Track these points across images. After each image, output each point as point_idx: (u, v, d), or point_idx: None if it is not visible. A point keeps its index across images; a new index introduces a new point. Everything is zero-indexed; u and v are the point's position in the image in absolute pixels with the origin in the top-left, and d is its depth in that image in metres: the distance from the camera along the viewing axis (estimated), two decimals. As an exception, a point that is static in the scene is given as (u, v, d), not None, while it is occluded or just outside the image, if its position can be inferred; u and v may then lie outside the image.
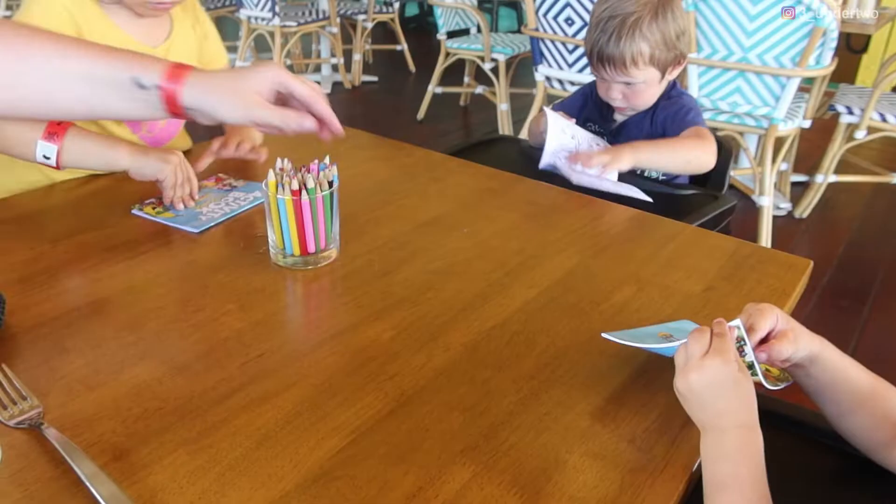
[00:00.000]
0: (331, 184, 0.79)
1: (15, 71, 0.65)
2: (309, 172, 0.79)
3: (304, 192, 0.77)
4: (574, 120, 1.26)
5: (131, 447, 0.54)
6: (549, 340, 0.69)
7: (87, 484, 0.49)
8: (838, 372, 0.60)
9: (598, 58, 1.20)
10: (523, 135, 2.86)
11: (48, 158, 0.88)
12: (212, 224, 0.91)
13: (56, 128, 0.88)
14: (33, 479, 0.51)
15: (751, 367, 0.57)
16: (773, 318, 0.59)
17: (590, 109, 1.34)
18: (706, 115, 2.32)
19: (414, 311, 0.73)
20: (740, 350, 0.56)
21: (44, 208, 0.94)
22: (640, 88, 1.22)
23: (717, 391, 0.54)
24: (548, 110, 1.25)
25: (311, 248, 0.80)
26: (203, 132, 0.99)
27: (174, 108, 0.67)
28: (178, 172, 0.93)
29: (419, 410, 0.60)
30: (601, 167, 1.11)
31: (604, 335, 0.65)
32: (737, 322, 0.57)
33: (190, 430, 0.56)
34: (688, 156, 1.18)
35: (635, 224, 0.98)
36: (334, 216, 0.81)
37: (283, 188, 0.77)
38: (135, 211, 0.93)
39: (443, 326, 0.71)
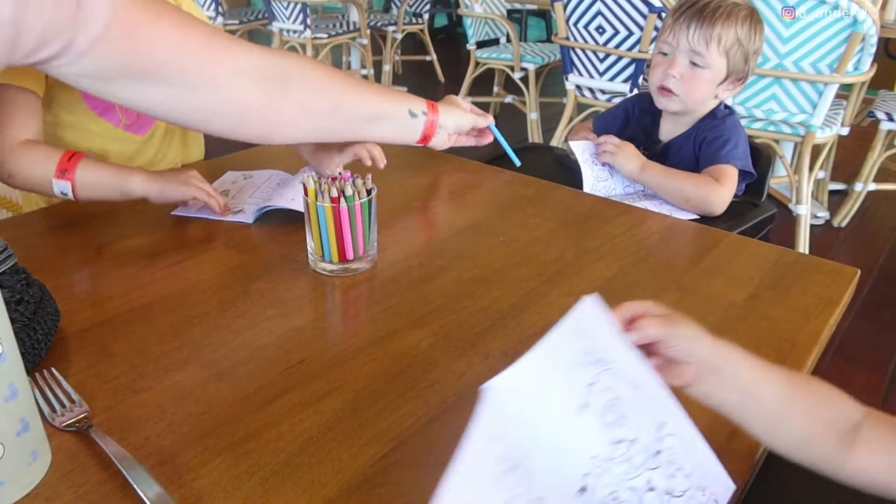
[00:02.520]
0: (369, 191, 0.79)
1: (326, 118, 0.89)
2: (346, 181, 0.79)
3: (342, 199, 0.77)
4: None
5: (176, 451, 0.55)
6: (591, 349, 0.69)
7: (136, 487, 0.50)
8: (749, 382, 0.51)
9: (688, 14, 1.16)
10: (554, 143, 2.85)
11: (66, 194, 0.90)
12: (263, 210, 0.94)
13: (66, 164, 0.88)
14: (83, 481, 0.52)
15: None
16: (645, 305, 0.51)
17: (633, 128, 1.31)
18: (741, 123, 2.29)
19: (453, 319, 0.73)
20: None
21: (89, 215, 0.96)
22: (700, 75, 1.18)
23: None
24: (571, 143, 1.24)
25: (350, 254, 0.80)
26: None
27: (430, 130, 0.99)
28: (203, 185, 0.92)
29: (461, 418, 0.58)
30: (604, 152, 1.20)
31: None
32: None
33: (233, 434, 0.57)
34: (694, 195, 1.14)
35: (674, 232, 0.96)
36: (372, 223, 0.81)
37: (323, 195, 0.78)
38: (176, 212, 0.95)
39: (482, 334, 0.71)
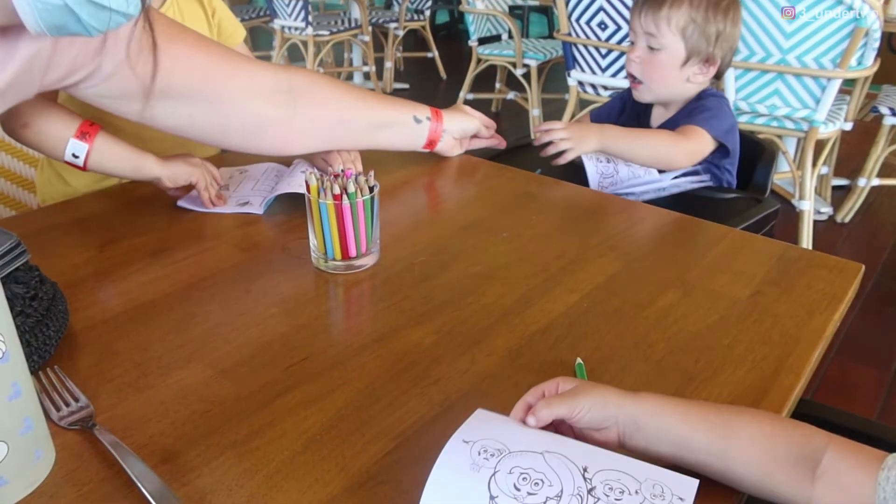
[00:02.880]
0: (372, 188, 0.79)
1: (336, 128, 0.95)
2: (348, 178, 0.79)
3: (345, 196, 0.77)
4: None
5: (180, 449, 0.55)
6: (594, 345, 0.68)
7: (139, 485, 0.50)
8: (678, 434, 0.51)
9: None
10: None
11: (76, 157, 0.89)
12: (272, 199, 0.96)
13: (89, 128, 0.89)
14: (87, 479, 0.52)
15: None
16: (550, 386, 0.54)
17: (627, 116, 1.33)
18: (743, 119, 2.28)
19: (456, 316, 0.73)
20: None
21: (91, 213, 0.96)
22: (657, 58, 1.20)
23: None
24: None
25: (353, 252, 0.80)
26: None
27: (435, 135, 1.04)
28: (205, 175, 0.95)
29: (464, 415, 0.59)
30: (565, 152, 1.13)
31: None
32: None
33: (237, 432, 0.57)
34: (656, 150, 1.14)
35: (677, 228, 0.96)
36: (375, 220, 0.81)
37: (325, 193, 0.77)
38: (181, 203, 0.95)
39: (485, 331, 0.71)
